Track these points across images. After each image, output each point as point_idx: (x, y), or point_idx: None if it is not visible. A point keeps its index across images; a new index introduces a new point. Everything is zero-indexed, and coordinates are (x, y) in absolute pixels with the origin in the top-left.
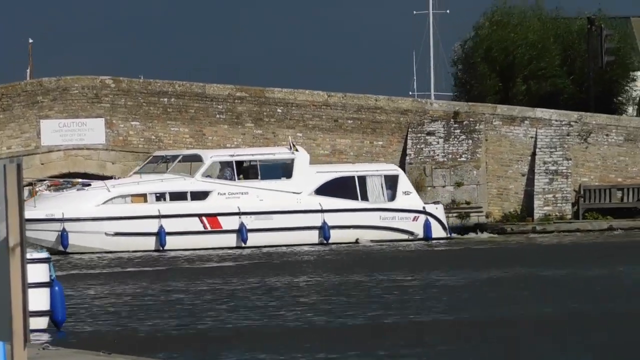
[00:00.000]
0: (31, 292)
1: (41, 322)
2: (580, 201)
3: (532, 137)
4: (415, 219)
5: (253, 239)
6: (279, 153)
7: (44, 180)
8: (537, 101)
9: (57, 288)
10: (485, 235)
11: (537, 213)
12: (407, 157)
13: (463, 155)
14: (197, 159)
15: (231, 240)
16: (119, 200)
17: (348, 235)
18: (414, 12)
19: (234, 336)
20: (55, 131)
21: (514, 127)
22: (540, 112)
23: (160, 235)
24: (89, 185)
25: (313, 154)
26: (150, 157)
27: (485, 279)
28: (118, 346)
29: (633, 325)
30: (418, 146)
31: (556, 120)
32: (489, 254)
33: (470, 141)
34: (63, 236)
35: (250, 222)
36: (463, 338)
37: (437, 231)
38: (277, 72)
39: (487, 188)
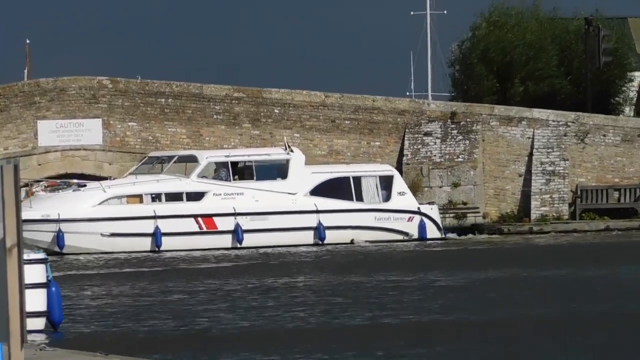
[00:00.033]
0: (28, 292)
1: (38, 323)
2: (577, 202)
3: (529, 138)
4: (410, 219)
5: (248, 240)
6: (274, 154)
7: (41, 181)
8: (535, 102)
9: (54, 289)
10: (482, 236)
11: (534, 213)
12: (404, 158)
13: (460, 156)
14: (193, 159)
15: (227, 241)
16: (115, 201)
17: (343, 236)
18: (412, 12)
19: (231, 337)
20: (53, 132)
21: (511, 128)
22: (538, 113)
23: (156, 236)
24: (85, 185)
25: (310, 154)
26: (146, 158)
27: (483, 279)
28: (115, 347)
29: (632, 325)
30: (415, 147)
31: (553, 121)
32: (487, 255)
33: (467, 142)
34: (59, 237)
35: (245, 223)
36: (462, 338)
37: (432, 232)
38: (277, 72)
39: (484, 188)
